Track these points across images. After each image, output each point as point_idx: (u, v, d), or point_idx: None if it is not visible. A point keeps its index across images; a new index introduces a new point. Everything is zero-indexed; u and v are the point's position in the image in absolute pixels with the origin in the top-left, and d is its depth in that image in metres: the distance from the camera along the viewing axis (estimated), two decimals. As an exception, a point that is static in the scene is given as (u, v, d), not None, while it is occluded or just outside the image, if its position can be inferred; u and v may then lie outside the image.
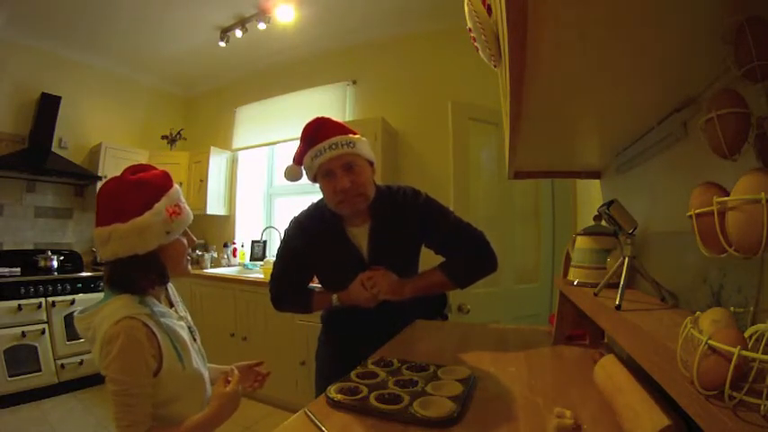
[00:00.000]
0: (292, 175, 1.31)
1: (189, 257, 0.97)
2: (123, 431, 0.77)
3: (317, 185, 1.28)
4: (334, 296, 1.31)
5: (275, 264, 1.39)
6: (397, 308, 1.31)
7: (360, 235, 1.29)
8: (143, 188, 0.86)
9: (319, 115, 1.28)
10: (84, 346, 2.82)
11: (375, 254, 1.29)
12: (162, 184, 0.89)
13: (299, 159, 1.28)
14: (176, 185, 0.93)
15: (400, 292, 1.27)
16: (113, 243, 0.82)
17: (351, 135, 1.22)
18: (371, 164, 1.27)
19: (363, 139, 1.26)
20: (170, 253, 0.89)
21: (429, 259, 1.39)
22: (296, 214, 1.40)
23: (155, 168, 0.93)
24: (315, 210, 1.36)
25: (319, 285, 1.41)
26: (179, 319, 0.94)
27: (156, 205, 0.85)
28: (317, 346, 1.46)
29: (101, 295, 0.87)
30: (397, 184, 1.39)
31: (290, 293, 1.38)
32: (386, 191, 1.33)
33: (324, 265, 1.35)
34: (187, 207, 0.94)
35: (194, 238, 0.98)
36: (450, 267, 1.30)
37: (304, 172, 1.29)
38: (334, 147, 1.18)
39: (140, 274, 0.85)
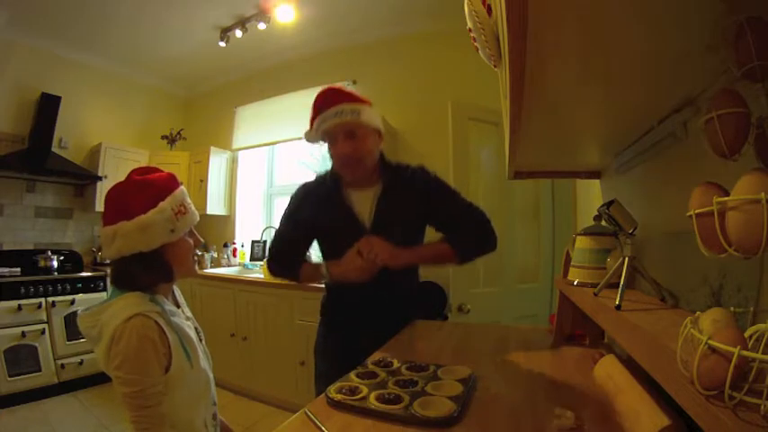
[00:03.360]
0: (310, 137, 1.35)
1: (196, 258, 0.97)
2: None
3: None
4: (324, 266, 1.31)
5: (278, 227, 1.43)
6: (394, 296, 1.30)
7: (364, 200, 1.31)
8: (149, 188, 0.88)
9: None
10: (84, 345, 2.82)
11: (378, 220, 1.29)
12: (168, 184, 0.91)
13: (311, 124, 1.33)
14: (182, 187, 0.95)
15: (399, 257, 1.25)
16: (118, 241, 0.83)
17: (357, 103, 1.26)
18: (379, 134, 1.31)
19: (371, 108, 1.29)
20: (175, 252, 0.90)
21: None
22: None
23: (161, 171, 0.94)
24: (323, 174, 1.41)
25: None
26: (186, 320, 0.94)
27: (161, 204, 0.86)
28: (315, 339, 1.46)
29: (101, 295, 0.87)
30: (407, 163, 1.42)
31: (283, 256, 1.40)
32: (396, 164, 1.38)
33: (324, 228, 1.36)
34: (193, 207, 0.95)
35: (200, 239, 0.98)
36: (454, 239, 1.32)
37: None
38: (338, 114, 1.23)
39: (144, 272, 0.86)
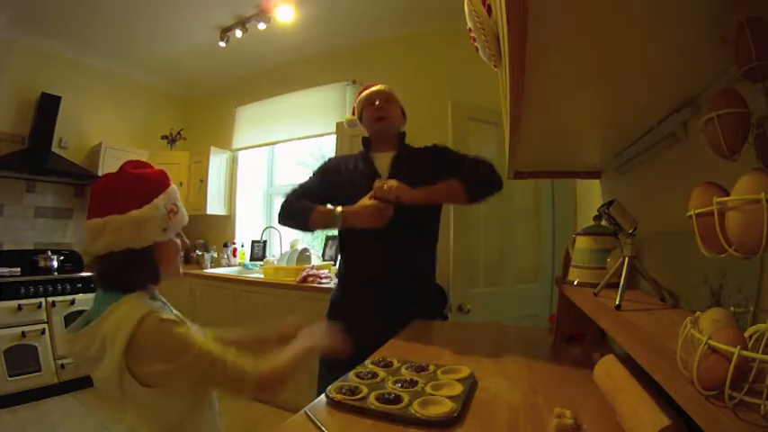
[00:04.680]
0: (350, 122, 1.79)
1: (181, 259, 0.94)
2: (242, 393, 0.79)
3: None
4: (338, 208, 1.39)
5: (302, 182, 1.61)
6: (402, 301, 1.32)
7: (383, 159, 1.54)
8: (143, 182, 0.84)
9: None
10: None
11: (393, 174, 1.45)
12: (161, 181, 0.88)
13: (353, 111, 1.70)
14: (173, 185, 0.91)
15: (412, 193, 1.35)
16: (108, 235, 0.78)
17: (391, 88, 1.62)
18: (403, 113, 1.65)
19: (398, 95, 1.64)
20: (164, 252, 0.86)
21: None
22: None
23: (153, 166, 0.91)
24: (349, 154, 1.70)
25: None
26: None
27: (156, 200, 0.83)
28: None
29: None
30: None
31: (297, 200, 1.52)
32: (411, 145, 1.61)
33: (345, 185, 1.51)
34: (183, 209, 0.92)
35: (187, 241, 0.95)
36: (465, 176, 1.42)
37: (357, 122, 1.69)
38: (379, 86, 1.60)
39: (132, 271, 0.81)
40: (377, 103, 1.55)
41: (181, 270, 0.94)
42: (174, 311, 0.91)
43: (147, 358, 0.73)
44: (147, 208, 0.81)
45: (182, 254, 0.93)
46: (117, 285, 0.80)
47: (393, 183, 1.34)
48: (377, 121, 1.54)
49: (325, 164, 1.65)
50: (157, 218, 0.82)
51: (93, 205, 0.82)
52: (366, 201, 1.35)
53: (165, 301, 0.90)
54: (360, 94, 1.65)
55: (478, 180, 1.43)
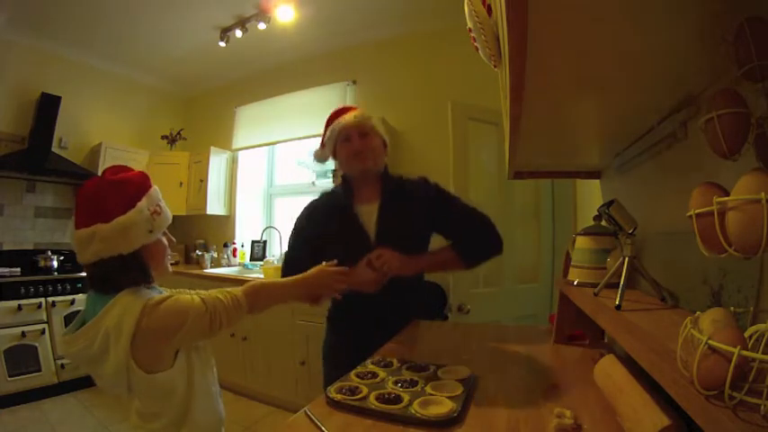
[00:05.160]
0: (320, 156, 1.46)
1: (170, 257, 0.97)
2: (242, 312, 0.90)
3: (318, 187, 1.32)
4: None
5: (287, 248, 1.46)
6: (400, 299, 1.32)
7: (368, 213, 1.35)
8: (124, 187, 0.85)
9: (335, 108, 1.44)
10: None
11: (382, 232, 1.32)
12: (142, 183, 0.89)
13: (323, 142, 1.43)
14: (155, 186, 0.93)
15: (409, 267, 1.30)
16: (96, 244, 0.80)
17: (367, 113, 1.40)
18: (385, 144, 1.42)
19: (378, 121, 1.43)
20: (152, 252, 0.88)
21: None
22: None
23: (132, 169, 0.92)
24: (327, 192, 1.48)
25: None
26: None
27: (139, 204, 0.84)
28: (316, 340, 1.47)
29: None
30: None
31: (292, 271, 1.39)
32: (397, 176, 1.43)
33: (331, 244, 1.37)
34: (167, 208, 0.93)
35: (173, 239, 0.97)
36: (459, 245, 1.35)
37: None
38: (353, 117, 1.36)
39: (123, 274, 0.83)
40: (352, 139, 1.34)
41: (170, 268, 0.97)
42: (168, 290, 0.93)
43: (156, 340, 0.79)
44: (131, 213, 0.83)
45: (169, 251, 0.96)
46: (110, 288, 0.82)
47: (388, 257, 1.24)
48: (355, 161, 1.34)
49: (303, 224, 1.44)
50: (142, 221, 0.84)
51: (79, 215, 0.83)
52: (363, 268, 1.26)
53: (160, 290, 0.91)
54: (330, 122, 1.40)
55: (476, 249, 1.36)
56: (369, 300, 1.29)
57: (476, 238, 1.35)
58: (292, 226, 1.46)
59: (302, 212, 1.47)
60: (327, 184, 3.03)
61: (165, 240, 0.93)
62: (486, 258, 1.38)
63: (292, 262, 1.40)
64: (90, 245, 0.81)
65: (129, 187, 0.85)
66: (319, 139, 1.45)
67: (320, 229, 1.38)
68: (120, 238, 0.81)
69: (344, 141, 1.35)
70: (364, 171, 1.35)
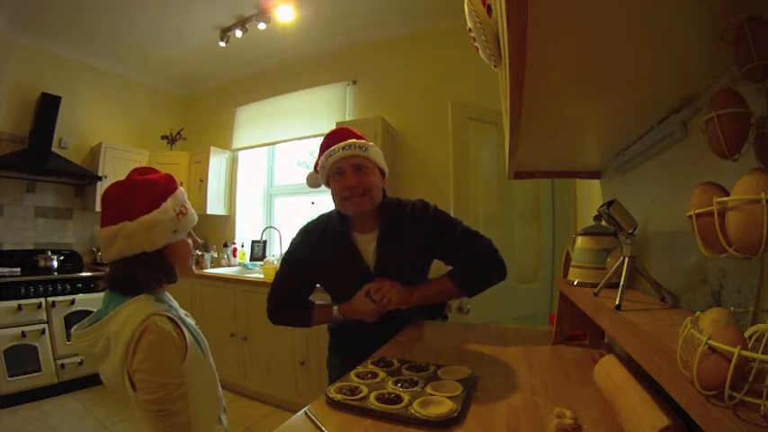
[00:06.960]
0: (313, 181, 1.38)
1: (194, 258, 0.98)
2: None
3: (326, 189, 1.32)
4: (335, 308, 1.31)
5: (277, 274, 1.39)
6: (401, 313, 1.31)
7: (367, 242, 1.31)
8: (151, 187, 0.87)
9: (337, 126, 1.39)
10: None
11: (381, 263, 1.29)
12: (168, 184, 0.91)
13: (317, 166, 1.35)
14: (182, 188, 0.95)
15: (408, 300, 1.28)
16: (120, 242, 0.82)
17: (364, 141, 1.30)
18: (383, 173, 1.33)
19: (378, 148, 1.32)
20: (177, 253, 0.90)
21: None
22: (305, 224, 1.43)
23: (160, 171, 0.94)
24: (323, 217, 1.40)
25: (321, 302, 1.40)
26: (185, 316, 0.96)
27: (164, 204, 0.86)
28: (315, 340, 1.47)
29: (101, 296, 0.86)
30: (407, 198, 1.41)
31: (288, 304, 1.37)
32: (395, 201, 1.36)
33: (328, 273, 1.35)
34: (192, 209, 0.95)
35: (198, 240, 0.99)
36: (457, 275, 1.32)
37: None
38: (347, 148, 1.25)
39: (147, 273, 0.85)
40: (347, 175, 1.25)
41: (194, 269, 0.98)
42: (182, 311, 0.93)
43: (140, 360, 0.76)
44: (156, 212, 0.84)
45: (194, 252, 0.97)
46: (131, 287, 0.83)
47: (387, 289, 1.24)
48: (350, 204, 1.25)
49: (297, 250, 1.36)
50: (167, 220, 0.86)
51: (105, 214, 0.86)
52: (362, 299, 1.26)
53: (171, 301, 0.91)
54: (324, 146, 1.31)
55: (475, 278, 1.32)
56: (367, 329, 1.29)
57: (474, 267, 1.31)
58: (286, 249, 1.40)
59: (298, 235, 1.40)
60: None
61: (189, 241, 0.94)
62: (485, 287, 1.34)
63: (281, 290, 1.36)
64: (114, 242, 0.82)
65: (155, 187, 0.87)
66: (319, 139, 1.41)
67: (317, 257, 1.32)
68: (143, 237, 0.83)
69: (338, 175, 1.26)
70: (359, 213, 1.27)
